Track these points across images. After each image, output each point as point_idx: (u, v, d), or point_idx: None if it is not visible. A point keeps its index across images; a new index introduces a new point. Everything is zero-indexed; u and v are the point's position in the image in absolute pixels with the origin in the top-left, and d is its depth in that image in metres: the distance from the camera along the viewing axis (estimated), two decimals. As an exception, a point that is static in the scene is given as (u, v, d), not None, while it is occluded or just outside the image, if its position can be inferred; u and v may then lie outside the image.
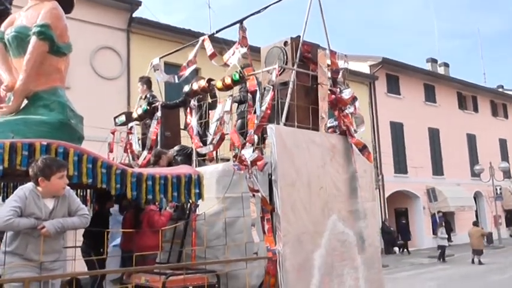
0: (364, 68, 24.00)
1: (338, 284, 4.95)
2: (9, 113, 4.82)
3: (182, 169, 5.08)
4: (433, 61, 30.66)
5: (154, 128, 6.61)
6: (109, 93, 14.85)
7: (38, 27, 4.78)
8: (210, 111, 6.37)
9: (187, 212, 5.85)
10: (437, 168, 26.25)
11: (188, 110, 6.21)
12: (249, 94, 5.59)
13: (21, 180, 5.59)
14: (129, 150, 7.20)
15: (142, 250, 5.14)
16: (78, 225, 3.80)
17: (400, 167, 24.38)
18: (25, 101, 4.99)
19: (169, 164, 6.05)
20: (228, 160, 5.93)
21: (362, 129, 5.80)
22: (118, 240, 6.44)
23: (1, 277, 3.48)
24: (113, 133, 7.63)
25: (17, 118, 4.71)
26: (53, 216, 3.62)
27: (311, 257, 4.79)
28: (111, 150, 7.51)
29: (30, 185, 3.69)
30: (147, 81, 7.29)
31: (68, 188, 3.82)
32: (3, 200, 6.00)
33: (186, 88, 5.96)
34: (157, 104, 6.74)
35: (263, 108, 5.04)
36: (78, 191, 6.25)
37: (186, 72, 6.22)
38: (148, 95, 7.18)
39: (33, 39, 4.78)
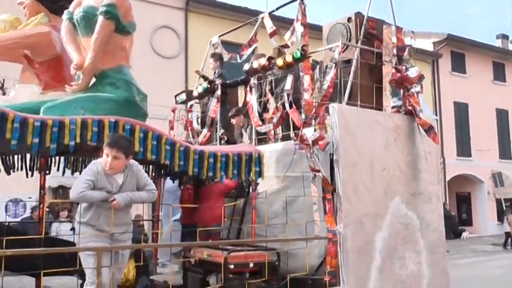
0: (427, 45, 22.97)
1: (400, 267, 4.83)
2: (79, 91, 5.02)
3: (243, 147, 5.12)
4: (504, 37, 28.82)
5: (214, 106, 6.66)
6: (167, 72, 15.16)
7: (104, 7, 4.91)
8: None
9: (247, 189, 5.91)
10: (505, 152, 24.91)
11: (248, 88, 6.20)
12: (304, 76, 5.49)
13: (89, 155, 5.85)
14: (189, 128, 7.33)
15: (205, 223, 5.26)
16: (145, 199, 3.93)
17: (464, 149, 23.35)
18: (93, 79, 5.19)
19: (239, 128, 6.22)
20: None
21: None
22: (178, 215, 6.63)
23: (76, 246, 3.69)
24: (173, 111, 7.78)
25: (86, 95, 4.90)
26: (123, 190, 3.76)
27: (372, 239, 4.70)
28: (171, 128, 7.68)
29: (101, 160, 3.83)
30: (219, 58, 7.26)
31: (137, 163, 3.95)
32: (72, 173, 6.31)
33: (246, 66, 5.93)
34: (217, 82, 6.78)
35: (325, 86, 4.93)
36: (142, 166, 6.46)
37: (248, 51, 6.22)
38: (217, 71, 7.16)
39: (100, 19, 4.92)
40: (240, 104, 7.55)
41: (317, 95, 5.35)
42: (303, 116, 4.95)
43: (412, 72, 5.30)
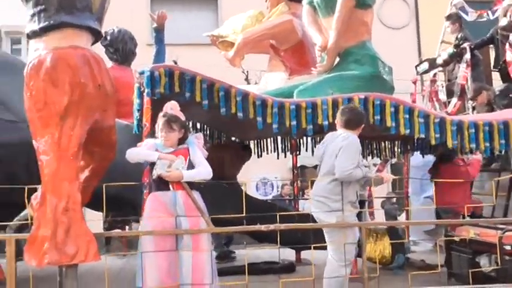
0: None
1: None
2: (324, 71, 5.14)
3: (509, 114, 4.48)
4: None
5: (464, 72, 6.03)
6: (398, 44, 14.50)
7: (343, -16, 4.88)
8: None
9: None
10: None
11: (507, 45, 5.39)
12: None
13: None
14: (434, 99, 6.85)
15: (450, 204, 4.90)
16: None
17: None
18: (337, 58, 5.24)
19: (489, 104, 5.50)
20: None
21: None
22: (430, 191, 6.30)
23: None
24: (414, 83, 7.37)
25: (333, 75, 4.98)
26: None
27: None
28: (413, 101, 7.30)
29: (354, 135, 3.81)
30: (457, 19, 6.60)
31: None
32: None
33: (504, 21, 5.17)
34: (465, 45, 6.10)
35: None
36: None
37: (503, 4, 5.41)
38: (459, 35, 6.46)
39: (341, -3, 4.91)
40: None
41: None
42: None
43: None
